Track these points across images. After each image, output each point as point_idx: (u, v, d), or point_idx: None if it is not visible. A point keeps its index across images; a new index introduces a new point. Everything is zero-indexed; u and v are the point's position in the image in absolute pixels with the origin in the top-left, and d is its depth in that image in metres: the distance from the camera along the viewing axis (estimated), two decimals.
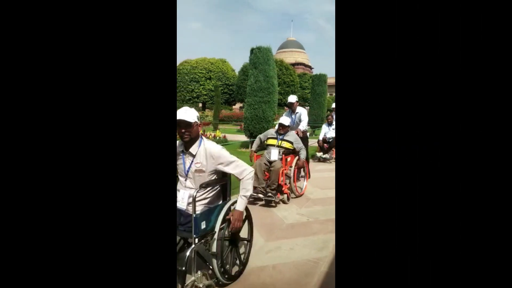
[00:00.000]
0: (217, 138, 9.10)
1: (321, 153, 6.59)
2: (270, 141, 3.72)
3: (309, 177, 4.55)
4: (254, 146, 3.88)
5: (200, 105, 29.15)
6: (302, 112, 4.51)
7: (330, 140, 6.61)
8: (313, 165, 5.83)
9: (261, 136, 3.90)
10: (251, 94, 7.85)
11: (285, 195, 3.44)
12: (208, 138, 9.10)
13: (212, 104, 22.60)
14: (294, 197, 3.66)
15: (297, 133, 3.98)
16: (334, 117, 6.84)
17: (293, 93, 26.18)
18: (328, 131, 6.73)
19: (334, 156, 6.73)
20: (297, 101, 4.51)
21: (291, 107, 4.52)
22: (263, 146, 3.81)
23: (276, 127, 3.82)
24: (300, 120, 4.47)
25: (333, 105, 7.68)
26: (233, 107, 29.59)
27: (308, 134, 4.69)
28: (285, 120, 3.80)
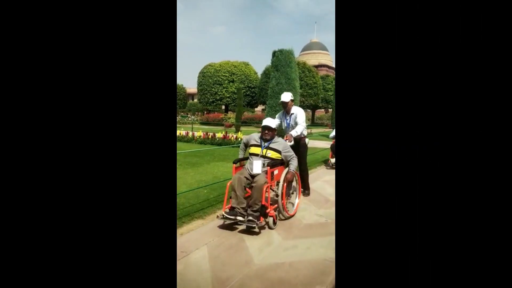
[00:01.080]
0: (239, 139, 9.31)
1: (335, 160, 5.92)
2: (253, 150, 2.94)
3: (307, 193, 3.75)
4: (241, 153, 3.12)
5: (223, 107, 29.64)
6: (298, 113, 3.59)
7: None
8: (328, 172, 5.64)
9: (244, 140, 3.12)
10: (272, 96, 7.92)
11: (271, 218, 2.64)
12: (230, 139, 9.14)
13: (235, 106, 22.92)
14: (283, 219, 2.90)
15: (287, 139, 3.20)
16: None
17: (316, 95, 25.79)
18: None
19: None
20: (292, 100, 3.58)
21: (285, 107, 3.60)
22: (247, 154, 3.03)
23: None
24: (296, 123, 3.57)
25: None
26: (255, 109, 29.80)
27: (307, 140, 3.76)
28: (271, 121, 2.98)
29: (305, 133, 3.66)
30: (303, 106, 24.89)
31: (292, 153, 2.97)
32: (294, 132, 3.39)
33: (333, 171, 5.58)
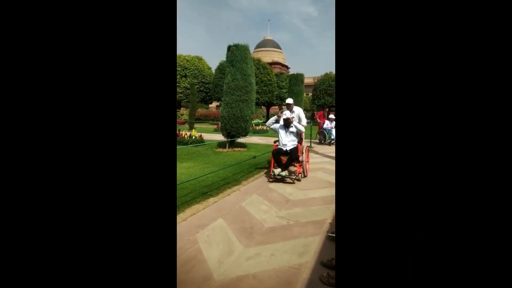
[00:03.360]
0: (193, 137, 8.84)
1: (279, 170, 4.48)
2: None
3: None
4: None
5: (176, 103, 28.42)
6: None
7: (289, 150, 4.51)
8: (269, 185, 4.36)
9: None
10: (228, 93, 7.70)
11: None
12: (183, 137, 8.57)
13: (188, 102, 22.11)
14: None
15: None
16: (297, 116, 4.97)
17: (270, 92, 26.04)
18: (284, 133, 4.60)
19: (300, 172, 4.56)
20: None
21: None
22: None
23: None
24: None
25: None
26: (210, 105, 29.14)
27: None
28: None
29: None
30: (258, 103, 24.91)
31: None
32: None
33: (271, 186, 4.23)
